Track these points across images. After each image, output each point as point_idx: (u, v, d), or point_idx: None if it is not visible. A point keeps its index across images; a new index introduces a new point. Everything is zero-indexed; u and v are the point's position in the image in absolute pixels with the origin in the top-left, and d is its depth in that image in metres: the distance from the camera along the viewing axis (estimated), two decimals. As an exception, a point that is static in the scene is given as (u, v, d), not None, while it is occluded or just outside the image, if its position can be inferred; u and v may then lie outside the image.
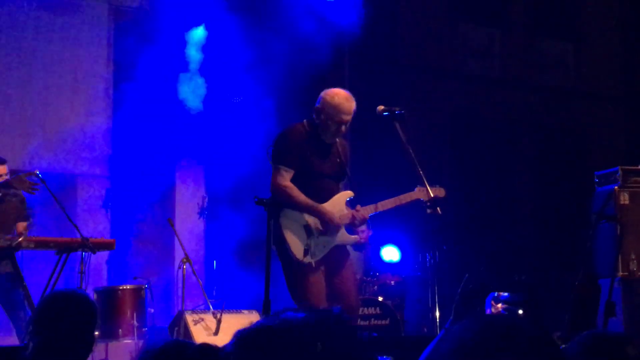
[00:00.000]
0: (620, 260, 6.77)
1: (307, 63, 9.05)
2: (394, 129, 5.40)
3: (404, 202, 5.50)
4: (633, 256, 6.92)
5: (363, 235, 6.48)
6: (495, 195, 10.40)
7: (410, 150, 5.29)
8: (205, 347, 2.35)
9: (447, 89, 10.77)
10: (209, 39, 9.30)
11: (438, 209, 5.25)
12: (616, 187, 7.08)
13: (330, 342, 1.72)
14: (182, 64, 9.26)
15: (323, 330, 1.73)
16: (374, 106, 5.49)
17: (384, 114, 5.46)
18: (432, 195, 5.28)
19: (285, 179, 5.32)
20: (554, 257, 9.81)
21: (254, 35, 9.01)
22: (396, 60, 10.44)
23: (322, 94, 5.44)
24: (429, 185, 5.34)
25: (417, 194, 5.44)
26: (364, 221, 5.47)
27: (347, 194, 5.54)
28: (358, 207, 5.45)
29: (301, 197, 5.30)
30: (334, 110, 5.33)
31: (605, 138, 11.48)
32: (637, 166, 7.32)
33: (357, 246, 5.90)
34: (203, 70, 9.26)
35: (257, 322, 1.81)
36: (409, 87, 10.22)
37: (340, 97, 5.37)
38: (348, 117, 5.36)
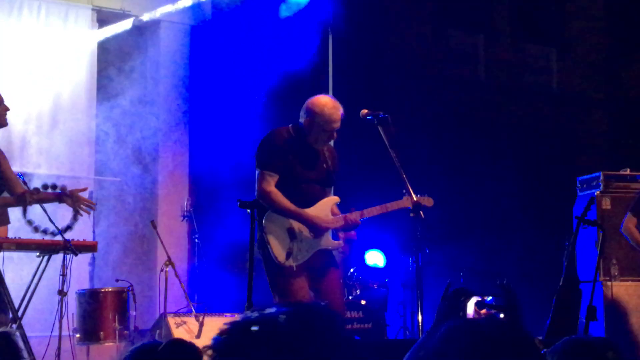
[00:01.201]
0: (601, 265, 6.82)
1: (290, 66, 9.04)
2: (377, 133, 5.41)
3: (390, 209, 5.51)
4: (614, 261, 6.97)
5: (348, 235, 6.44)
6: (479, 199, 10.42)
7: (394, 155, 5.30)
8: (177, 341, 2.35)
9: (432, 93, 10.79)
10: (193, 40, 9.28)
11: (421, 212, 5.26)
12: (598, 192, 7.14)
13: (313, 335, 1.70)
14: (166, 65, 9.24)
15: (306, 323, 1.71)
16: (358, 110, 5.50)
17: (368, 117, 5.47)
18: (414, 199, 5.29)
19: (270, 184, 5.31)
20: (536, 261, 9.85)
21: (238, 36, 9.00)
22: (380, 65, 10.45)
23: (309, 105, 5.42)
24: (417, 192, 5.35)
25: (405, 202, 5.43)
26: (356, 225, 5.48)
27: (333, 200, 5.55)
28: (352, 209, 5.47)
29: (286, 202, 5.30)
30: (325, 121, 5.34)
31: (588, 143, 11.54)
32: (619, 171, 7.38)
33: (344, 245, 5.90)
34: (189, 73, 9.24)
35: (241, 317, 1.80)
36: (393, 91, 10.24)
37: (329, 107, 5.37)
38: (338, 125, 5.39)
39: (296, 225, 5.32)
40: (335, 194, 5.66)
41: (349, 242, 8.75)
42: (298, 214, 5.31)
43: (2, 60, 8.46)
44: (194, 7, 9.20)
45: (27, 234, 5.99)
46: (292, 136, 5.43)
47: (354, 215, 5.44)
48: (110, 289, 7.01)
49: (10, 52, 8.50)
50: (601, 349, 2.53)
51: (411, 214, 5.32)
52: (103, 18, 9.10)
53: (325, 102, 5.41)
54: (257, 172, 5.39)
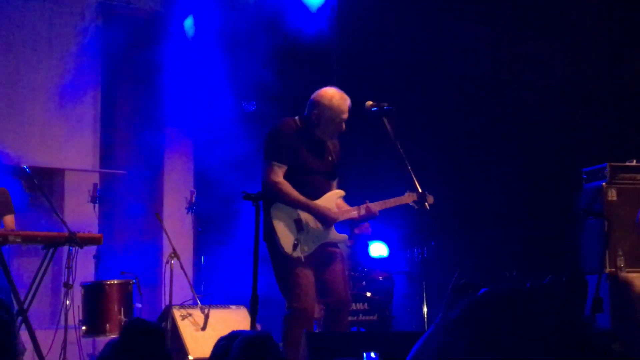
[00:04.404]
0: (607, 257, 6.80)
1: (295, 61, 9.03)
2: (382, 125, 5.41)
3: (392, 205, 5.52)
4: (620, 252, 6.94)
5: (363, 229, 6.40)
6: (484, 191, 10.41)
7: (399, 146, 5.29)
8: (137, 322, 2.46)
9: (434, 86, 10.77)
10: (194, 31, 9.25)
11: (426, 204, 5.26)
12: (604, 184, 7.11)
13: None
14: (170, 56, 9.21)
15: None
16: (362, 103, 5.51)
17: (373, 109, 5.47)
18: (420, 190, 5.29)
19: (278, 174, 5.32)
20: (541, 254, 9.83)
21: (240, 29, 8.98)
22: (383, 57, 10.43)
23: (317, 98, 5.44)
24: (418, 184, 5.35)
25: (406, 198, 5.46)
26: (374, 216, 5.48)
27: (339, 193, 5.56)
28: (367, 202, 5.48)
29: (294, 193, 5.31)
30: (334, 112, 5.38)
31: (593, 134, 11.51)
32: (625, 162, 7.35)
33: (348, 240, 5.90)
34: (193, 67, 9.21)
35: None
36: (396, 83, 10.22)
37: (337, 98, 5.42)
38: (347, 115, 5.44)
39: (303, 216, 5.33)
40: (338, 186, 5.66)
41: (359, 237, 8.74)
42: (307, 205, 5.32)
43: (6, 51, 8.46)
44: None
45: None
46: (299, 127, 5.45)
47: (374, 206, 5.44)
48: (115, 282, 7.01)
49: (14, 43, 8.50)
50: (606, 340, 2.53)
51: (416, 206, 5.32)
52: (107, 7, 9.08)
53: (333, 94, 5.44)
54: (265, 163, 5.39)
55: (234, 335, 2.61)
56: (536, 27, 11.91)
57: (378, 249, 9.11)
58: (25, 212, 7.46)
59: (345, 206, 5.51)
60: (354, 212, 5.48)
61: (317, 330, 5.72)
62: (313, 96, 5.47)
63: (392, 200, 5.50)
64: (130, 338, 2.51)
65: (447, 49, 11.14)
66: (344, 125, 5.45)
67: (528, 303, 1.70)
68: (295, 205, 5.31)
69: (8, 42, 8.48)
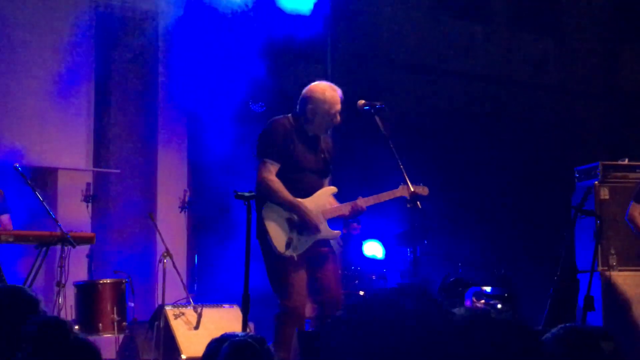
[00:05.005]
0: (599, 255, 6.82)
1: (289, 60, 9.03)
2: (374, 123, 5.42)
3: (386, 199, 5.53)
4: (612, 251, 6.96)
5: (352, 229, 6.36)
6: (476, 189, 10.42)
7: (391, 145, 5.31)
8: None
9: (428, 84, 10.79)
10: (188, 30, 9.24)
11: (418, 203, 5.27)
12: (596, 182, 7.13)
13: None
14: (164, 54, 9.20)
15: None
16: (355, 101, 5.52)
17: (365, 108, 5.49)
18: (412, 189, 5.30)
19: (271, 172, 5.34)
20: (534, 252, 9.86)
21: (234, 28, 8.98)
22: (377, 56, 10.44)
23: (309, 93, 5.46)
24: (412, 182, 5.36)
25: (400, 191, 5.47)
26: (361, 212, 5.50)
27: (331, 190, 5.57)
28: (360, 198, 5.49)
29: (284, 192, 5.31)
30: (328, 104, 5.41)
31: (586, 133, 11.53)
32: (617, 161, 7.38)
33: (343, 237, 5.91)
34: (186, 66, 9.21)
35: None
36: (390, 82, 10.23)
37: (328, 90, 5.46)
38: (340, 106, 5.46)
39: (295, 215, 5.34)
40: (331, 185, 5.66)
41: (349, 236, 8.76)
42: (295, 206, 5.32)
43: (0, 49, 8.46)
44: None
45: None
46: (292, 125, 5.46)
47: (361, 202, 5.45)
48: (108, 281, 7.00)
49: (7, 42, 8.48)
50: (595, 338, 2.53)
51: (408, 205, 5.33)
52: (101, 5, 9.07)
53: (324, 87, 5.48)
54: (258, 161, 5.40)
55: (224, 338, 2.63)
56: (531, 26, 11.92)
57: (373, 249, 9.12)
58: (25, 211, 7.46)
59: (335, 203, 5.53)
60: (342, 210, 5.48)
61: (308, 329, 5.72)
62: (304, 92, 5.50)
63: (385, 194, 5.51)
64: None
65: (442, 47, 11.16)
66: (338, 117, 5.47)
67: (392, 304, 1.74)
68: (284, 204, 5.32)
69: (2, 41, 8.46)
